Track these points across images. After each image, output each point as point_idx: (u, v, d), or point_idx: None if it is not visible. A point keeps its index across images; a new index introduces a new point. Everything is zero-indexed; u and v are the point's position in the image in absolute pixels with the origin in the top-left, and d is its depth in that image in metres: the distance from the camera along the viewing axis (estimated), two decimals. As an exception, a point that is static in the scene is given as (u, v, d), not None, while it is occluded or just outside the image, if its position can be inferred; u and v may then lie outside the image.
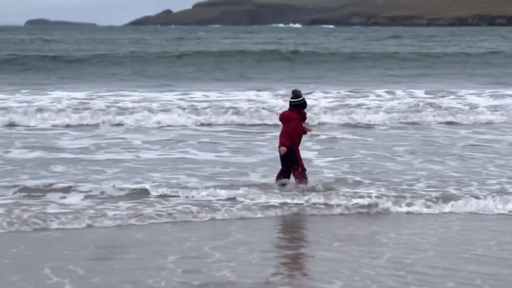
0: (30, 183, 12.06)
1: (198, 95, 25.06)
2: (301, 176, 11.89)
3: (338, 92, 26.14)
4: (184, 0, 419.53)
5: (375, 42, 74.10)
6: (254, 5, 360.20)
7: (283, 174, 12.02)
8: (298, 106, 11.89)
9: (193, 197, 11.31)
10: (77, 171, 13.41)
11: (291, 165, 11.88)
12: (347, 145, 16.90)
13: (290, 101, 11.94)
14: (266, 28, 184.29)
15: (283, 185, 11.83)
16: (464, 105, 23.29)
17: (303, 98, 11.98)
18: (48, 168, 13.57)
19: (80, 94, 24.96)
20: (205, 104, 22.42)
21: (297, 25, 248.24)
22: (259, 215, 10.61)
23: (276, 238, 9.83)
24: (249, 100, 23.73)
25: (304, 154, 15.03)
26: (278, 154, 12.06)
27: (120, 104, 22.36)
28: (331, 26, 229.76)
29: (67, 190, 11.61)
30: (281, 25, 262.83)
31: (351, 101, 23.89)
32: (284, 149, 11.78)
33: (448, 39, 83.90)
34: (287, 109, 12.08)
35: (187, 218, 10.33)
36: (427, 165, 14.38)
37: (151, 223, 10.06)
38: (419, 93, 26.40)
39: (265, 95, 25.09)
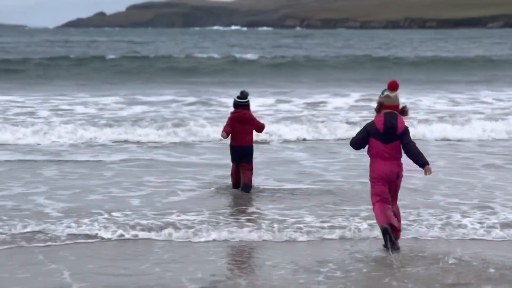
0: None
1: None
2: (251, 173, 12.31)
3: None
4: (117, 2, 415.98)
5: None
6: (188, 8, 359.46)
7: (236, 174, 12.38)
8: (247, 106, 12.35)
9: None
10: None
11: (249, 161, 12.33)
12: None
13: (240, 102, 12.30)
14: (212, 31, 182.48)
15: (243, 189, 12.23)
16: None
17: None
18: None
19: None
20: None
21: (235, 27, 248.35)
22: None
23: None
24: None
25: (290, 156, 15.69)
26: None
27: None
28: (270, 28, 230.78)
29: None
30: (216, 27, 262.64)
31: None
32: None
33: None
34: (236, 110, 12.26)
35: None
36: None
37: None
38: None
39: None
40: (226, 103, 23.89)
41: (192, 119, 20.02)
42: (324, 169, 14.37)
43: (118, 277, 8.06)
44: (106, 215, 10.52)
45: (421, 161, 8.57)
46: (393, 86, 8.34)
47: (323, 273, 8.23)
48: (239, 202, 11.65)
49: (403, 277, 8.08)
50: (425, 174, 8.55)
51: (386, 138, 8.42)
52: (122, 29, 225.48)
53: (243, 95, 12.37)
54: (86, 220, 10.19)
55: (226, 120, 12.45)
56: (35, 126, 18.61)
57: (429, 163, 8.67)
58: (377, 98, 8.87)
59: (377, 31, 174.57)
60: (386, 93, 8.43)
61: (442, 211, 10.89)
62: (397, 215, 8.80)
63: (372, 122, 8.47)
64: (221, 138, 12.36)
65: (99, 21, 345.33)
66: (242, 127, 12.27)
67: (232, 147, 12.38)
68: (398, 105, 8.46)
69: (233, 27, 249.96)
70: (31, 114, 21.98)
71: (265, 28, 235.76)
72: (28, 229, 9.77)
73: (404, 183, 12.59)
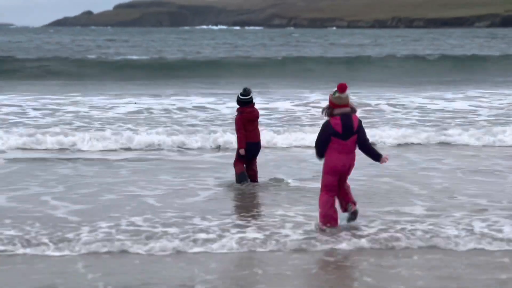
0: None
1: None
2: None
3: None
4: (105, 1, 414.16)
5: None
6: (175, 7, 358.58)
7: (245, 168, 12.71)
8: (251, 103, 12.54)
9: None
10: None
11: (255, 157, 12.73)
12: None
13: (245, 99, 12.48)
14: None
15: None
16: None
17: None
18: None
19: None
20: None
21: (222, 26, 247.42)
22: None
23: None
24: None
25: (300, 154, 15.71)
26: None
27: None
28: (261, 28, 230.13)
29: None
30: (210, 26, 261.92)
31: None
32: None
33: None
34: (244, 109, 12.48)
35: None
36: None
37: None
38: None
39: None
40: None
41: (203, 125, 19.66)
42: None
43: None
44: (128, 219, 10.27)
45: (376, 154, 9.70)
46: (343, 88, 9.21)
47: (333, 263, 8.59)
48: (264, 203, 11.52)
49: (414, 266, 8.42)
50: (383, 163, 9.72)
51: (345, 136, 9.38)
52: (114, 28, 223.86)
53: (246, 92, 12.49)
54: (106, 227, 9.84)
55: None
56: (30, 128, 18.29)
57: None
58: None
59: (371, 30, 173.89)
60: (337, 94, 9.26)
61: (467, 213, 10.81)
62: (348, 190, 9.93)
63: (329, 124, 9.35)
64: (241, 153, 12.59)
65: (86, 20, 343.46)
66: (252, 124, 12.48)
67: (248, 143, 12.46)
68: (348, 103, 9.36)
69: (221, 27, 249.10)
70: (22, 114, 21.57)
71: (256, 27, 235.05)
72: (48, 233, 9.56)
73: (430, 183, 12.91)
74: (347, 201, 9.95)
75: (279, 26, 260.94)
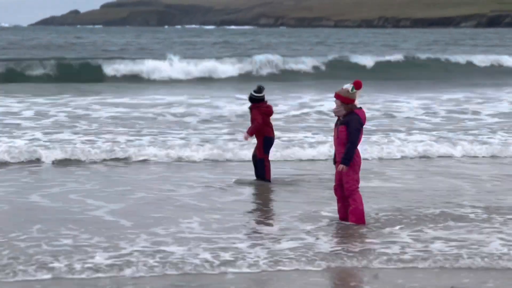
0: None
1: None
2: None
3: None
4: (91, 0, 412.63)
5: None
6: (162, 6, 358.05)
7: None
8: (263, 100, 12.70)
9: None
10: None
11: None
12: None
13: (258, 96, 12.62)
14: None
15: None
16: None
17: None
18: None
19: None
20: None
21: (209, 26, 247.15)
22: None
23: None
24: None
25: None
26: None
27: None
28: (253, 27, 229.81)
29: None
30: (193, 25, 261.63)
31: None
32: None
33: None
34: (261, 104, 12.65)
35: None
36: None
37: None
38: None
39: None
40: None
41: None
42: (385, 165, 13.79)
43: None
44: (182, 222, 9.85)
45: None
46: (360, 85, 9.64)
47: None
48: (314, 202, 11.18)
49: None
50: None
51: None
52: (106, 27, 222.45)
53: (260, 90, 12.68)
54: (162, 234, 9.24)
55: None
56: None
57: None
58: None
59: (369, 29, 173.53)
60: (354, 90, 9.67)
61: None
62: None
63: (358, 116, 9.67)
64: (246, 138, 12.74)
65: (73, 19, 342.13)
66: (268, 119, 12.74)
67: (270, 138, 12.73)
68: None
69: (210, 26, 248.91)
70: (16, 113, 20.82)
71: (244, 27, 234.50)
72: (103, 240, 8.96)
73: (475, 183, 12.77)
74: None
75: (267, 25, 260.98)
